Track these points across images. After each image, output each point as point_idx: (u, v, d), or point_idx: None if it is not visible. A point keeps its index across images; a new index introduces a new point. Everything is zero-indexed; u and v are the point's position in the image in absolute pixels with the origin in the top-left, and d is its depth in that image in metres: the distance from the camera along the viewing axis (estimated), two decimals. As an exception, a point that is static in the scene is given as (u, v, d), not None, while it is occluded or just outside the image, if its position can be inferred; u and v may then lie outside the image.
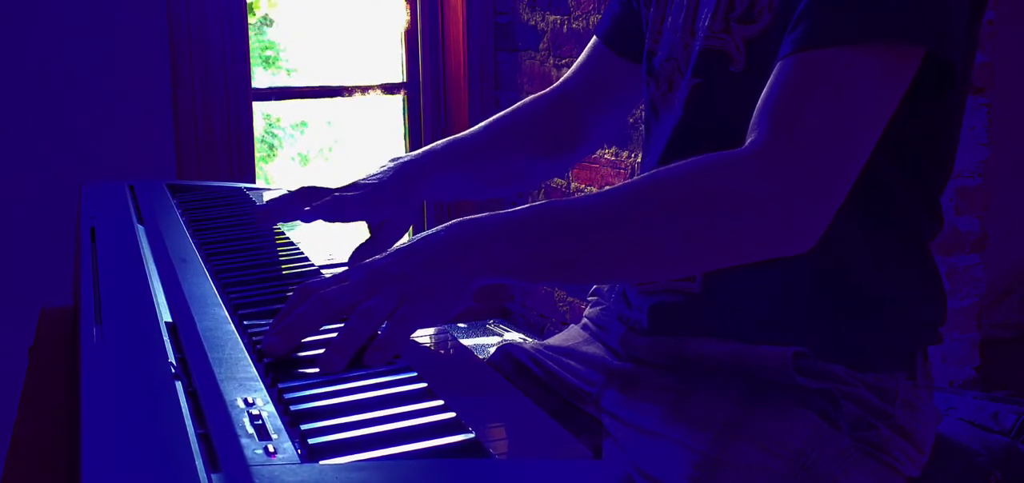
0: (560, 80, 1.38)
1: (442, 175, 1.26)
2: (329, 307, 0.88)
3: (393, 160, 1.27)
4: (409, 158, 1.27)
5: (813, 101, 0.94)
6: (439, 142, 1.31)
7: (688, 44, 1.12)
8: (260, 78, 3.86)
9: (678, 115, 1.12)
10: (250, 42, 2.98)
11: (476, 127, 1.34)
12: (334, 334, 0.86)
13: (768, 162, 0.93)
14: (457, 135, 1.33)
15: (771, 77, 0.97)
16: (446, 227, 0.94)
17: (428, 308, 0.90)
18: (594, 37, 1.35)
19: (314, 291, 0.90)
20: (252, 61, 3.00)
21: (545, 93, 1.38)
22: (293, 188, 1.26)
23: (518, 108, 1.37)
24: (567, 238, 0.94)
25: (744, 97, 1.00)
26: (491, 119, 1.35)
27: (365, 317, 0.87)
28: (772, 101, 0.95)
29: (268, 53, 4.08)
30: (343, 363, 0.83)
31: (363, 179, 1.24)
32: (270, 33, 4.05)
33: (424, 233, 0.95)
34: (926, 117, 1.04)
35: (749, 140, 0.95)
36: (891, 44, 0.95)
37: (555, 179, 3.06)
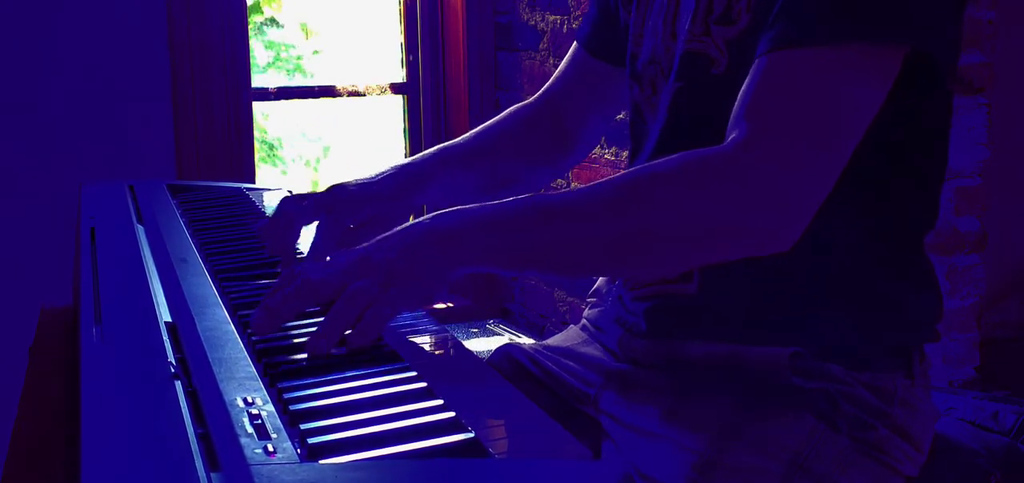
0: (544, 87, 1.39)
1: (438, 180, 1.27)
2: (315, 290, 0.91)
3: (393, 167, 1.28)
4: (408, 162, 1.28)
5: (789, 100, 0.95)
6: (430, 149, 1.32)
7: (670, 47, 1.12)
8: (271, 79, 3.86)
9: (663, 119, 1.12)
10: (258, 43, 2.97)
11: (465, 135, 1.35)
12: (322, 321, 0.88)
13: (746, 161, 0.94)
14: (446, 143, 1.34)
15: (749, 76, 0.98)
16: (431, 217, 0.97)
17: (412, 292, 0.93)
18: (574, 42, 1.36)
19: (301, 274, 0.93)
20: (259, 60, 3.00)
21: (529, 102, 1.39)
22: (284, 193, 1.26)
23: (503, 116, 1.38)
24: (546, 229, 0.96)
25: (727, 99, 1.00)
26: (478, 128, 1.36)
27: (350, 301, 0.89)
28: (749, 100, 0.96)
29: (269, 53, 4.08)
30: (329, 346, 0.86)
31: (360, 179, 1.24)
32: (272, 34, 4.05)
33: (409, 222, 0.98)
34: (914, 112, 1.04)
35: (729, 138, 0.96)
36: (868, 42, 0.95)
37: (557, 180, 3.06)
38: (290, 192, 1.56)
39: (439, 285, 0.95)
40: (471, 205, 0.97)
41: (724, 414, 1.03)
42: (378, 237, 0.96)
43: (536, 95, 1.39)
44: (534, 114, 1.37)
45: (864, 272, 1.06)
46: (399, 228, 0.97)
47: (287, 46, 4.02)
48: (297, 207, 1.19)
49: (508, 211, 0.96)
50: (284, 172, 4.19)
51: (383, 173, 1.25)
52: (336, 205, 1.19)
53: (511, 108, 1.39)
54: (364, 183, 1.23)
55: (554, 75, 1.39)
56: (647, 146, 1.15)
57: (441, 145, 1.33)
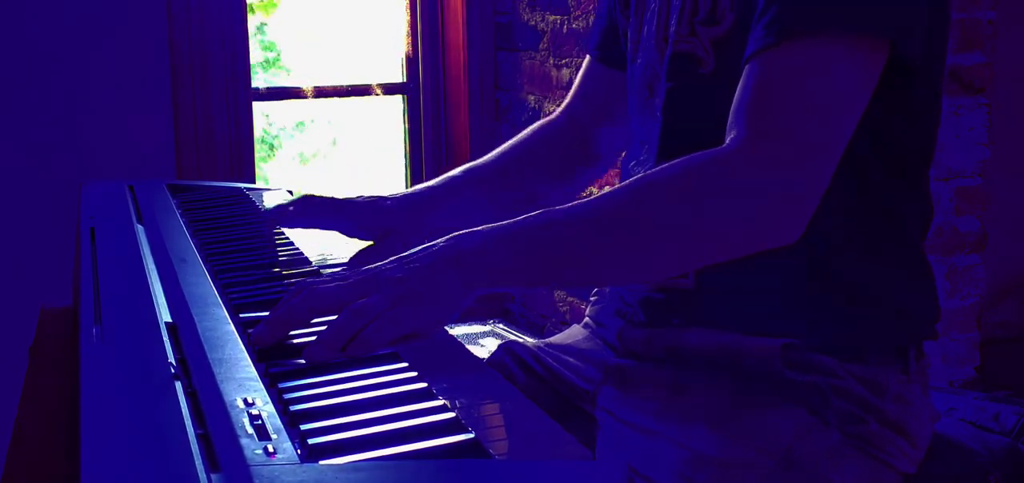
0: (562, 104, 1.39)
1: (452, 202, 1.27)
2: (321, 303, 0.90)
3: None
4: (428, 184, 1.28)
5: (779, 100, 0.97)
6: (447, 173, 1.31)
7: (662, 50, 1.14)
8: (259, 78, 3.86)
9: (658, 121, 1.14)
10: (249, 43, 2.97)
11: (486, 157, 1.35)
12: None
13: (749, 159, 0.95)
14: (466, 165, 1.33)
15: (742, 78, 0.99)
16: (446, 238, 0.96)
17: (422, 312, 0.91)
18: (587, 56, 1.36)
19: (309, 287, 0.91)
20: (257, 60, 3.00)
21: (551, 119, 1.39)
22: (295, 194, 1.26)
23: (527, 135, 1.37)
24: (561, 243, 0.96)
25: (716, 98, 1.02)
26: (500, 148, 1.36)
27: (356, 315, 0.88)
28: (745, 100, 0.98)
29: (268, 54, 4.08)
30: (326, 355, 0.85)
31: (373, 195, 1.24)
32: (271, 33, 4.04)
33: (425, 244, 0.96)
34: (896, 103, 1.05)
35: (728, 139, 0.97)
36: (853, 34, 0.97)
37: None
38: (290, 192, 1.56)
39: (454, 307, 0.94)
40: (484, 226, 0.97)
41: (717, 409, 1.04)
42: (393, 257, 0.96)
43: (557, 112, 1.40)
44: (557, 130, 1.37)
45: (858, 267, 1.07)
46: (416, 249, 0.96)
47: (278, 53, 4.02)
48: (310, 206, 1.18)
49: (524, 228, 0.96)
50: (284, 171, 4.19)
51: (400, 193, 1.25)
52: (351, 210, 1.19)
53: (533, 126, 1.39)
54: (378, 197, 1.23)
55: (572, 90, 1.39)
56: (648, 150, 1.16)
57: (458, 169, 1.32)
